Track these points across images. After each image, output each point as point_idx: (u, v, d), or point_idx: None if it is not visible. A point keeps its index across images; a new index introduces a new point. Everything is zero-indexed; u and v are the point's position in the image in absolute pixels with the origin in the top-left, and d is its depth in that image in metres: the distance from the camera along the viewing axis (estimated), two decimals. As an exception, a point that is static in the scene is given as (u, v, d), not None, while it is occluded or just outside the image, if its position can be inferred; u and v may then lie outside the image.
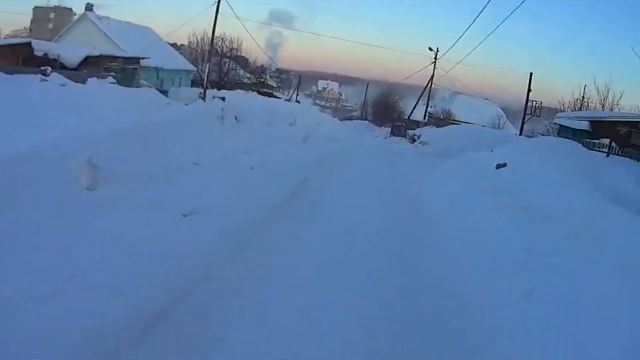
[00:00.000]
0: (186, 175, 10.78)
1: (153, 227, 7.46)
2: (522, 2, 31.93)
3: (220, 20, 68.70)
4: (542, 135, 41.49)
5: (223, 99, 35.90)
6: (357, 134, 41.91)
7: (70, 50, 26.50)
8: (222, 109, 15.83)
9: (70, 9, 59.63)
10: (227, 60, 54.28)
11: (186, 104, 19.37)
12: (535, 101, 39.93)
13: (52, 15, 39.34)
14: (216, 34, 54.78)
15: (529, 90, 39.45)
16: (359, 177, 14.91)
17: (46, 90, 15.04)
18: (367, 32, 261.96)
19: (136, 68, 32.46)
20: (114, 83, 22.74)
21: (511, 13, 36.55)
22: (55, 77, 17.94)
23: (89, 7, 39.30)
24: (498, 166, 14.04)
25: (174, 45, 57.04)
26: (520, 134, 38.49)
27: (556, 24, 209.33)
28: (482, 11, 37.87)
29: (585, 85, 37.13)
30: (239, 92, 40.42)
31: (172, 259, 6.28)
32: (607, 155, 17.62)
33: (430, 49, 49.34)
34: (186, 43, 57.74)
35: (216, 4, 35.33)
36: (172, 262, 6.18)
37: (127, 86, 24.02)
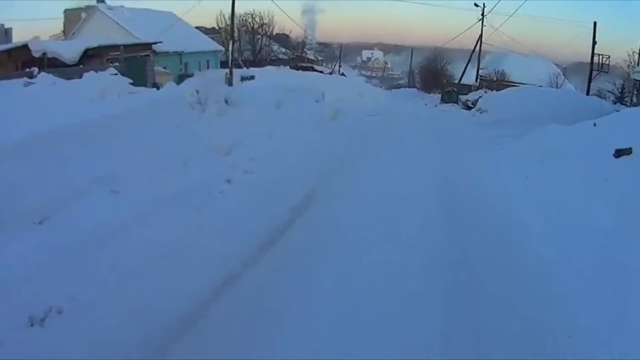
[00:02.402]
0: (73, 219, 5.65)
1: None
2: None
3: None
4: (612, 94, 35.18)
5: (252, 77, 31.83)
6: (404, 103, 35.98)
7: (69, 46, 23.81)
8: (198, 92, 10.59)
9: (101, 5, 55.99)
10: (260, 37, 49.61)
11: (157, 89, 14.62)
12: (602, 55, 33.44)
13: (83, 15, 35.84)
14: (246, 10, 51.15)
15: (594, 42, 32.99)
16: (402, 179, 9.53)
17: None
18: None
19: (148, 55, 28.38)
20: (115, 74, 19.16)
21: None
22: (43, 77, 14.82)
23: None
24: (619, 153, 8.36)
25: (212, 30, 52.67)
26: (588, 93, 32.24)
27: None
28: None
29: None
30: (269, 69, 35.77)
31: None
32: None
33: (476, 4, 43.02)
34: (216, 26, 52.93)
35: None
36: None
37: (136, 76, 20.42)
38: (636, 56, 32.37)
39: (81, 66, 21.33)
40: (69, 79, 14.85)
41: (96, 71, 17.78)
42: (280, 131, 11.30)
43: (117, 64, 22.75)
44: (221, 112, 10.88)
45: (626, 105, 27.47)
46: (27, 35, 23.77)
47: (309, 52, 63.63)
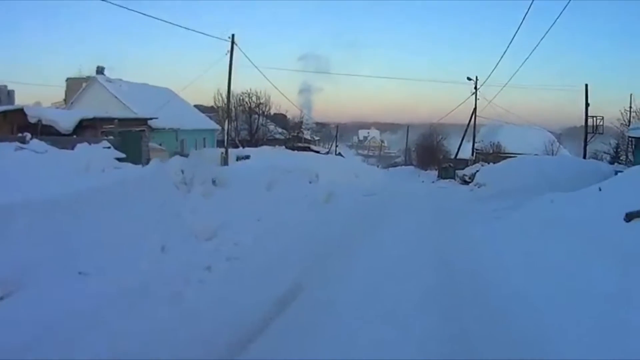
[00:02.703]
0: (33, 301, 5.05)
1: None
2: (559, 15, 24.66)
3: (247, 74, 65.39)
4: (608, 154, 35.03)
5: (248, 157, 31.73)
6: (401, 181, 35.77)
7: (64, 115, 23.75)
8: (183, 171, 10.16)
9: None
10: (257, 116, 49.93)
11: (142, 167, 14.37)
12: (596, 117, 33.41)
13: (84, 85, 36.49)
14: (243, 89, 51.58)
15: (587, 104, 32.96)
16: (399, 258, 8.92)
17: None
18: (402, 71, 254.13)
19: (143, 130, 28.25)
20: (108, 148, 18.98)
21: (548, 30, 29.93)
22: (35, 144, 14.65)
23: (99, 70, 36.43)
24: (629, 217, 7.83)
25: (210, 108, 53.20)
26: (585, 156, 32.01)
27: (603, 33, 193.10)
28: (517, 32, 30.29)
29: (632, 95, 30.59)
30: (265, 149, 35.77)
31: None
32: None
33: (468, 78, 43.27)
34: (213, 104, 53.37)
35: (229, 54, 31.23)
36: None
37: (131, 151, 20.50)
38: (629, 115, 32.38)
39: (74, 137, 21.15)
40: (62, 148, 14.65)
41: (89, 143, 17.70)
42: (271, 214, 10.80)
43: (111, 137, 22.52)
44: (208, 194, 10.40)
45: (622, 164, 27.13)
46: (30, 99, 24.04)
47: (306, 132, 63.91)
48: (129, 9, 25.34)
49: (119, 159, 16.51)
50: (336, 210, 13.66)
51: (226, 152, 31.39)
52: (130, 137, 25.25)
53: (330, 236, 10.40)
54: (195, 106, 50.24)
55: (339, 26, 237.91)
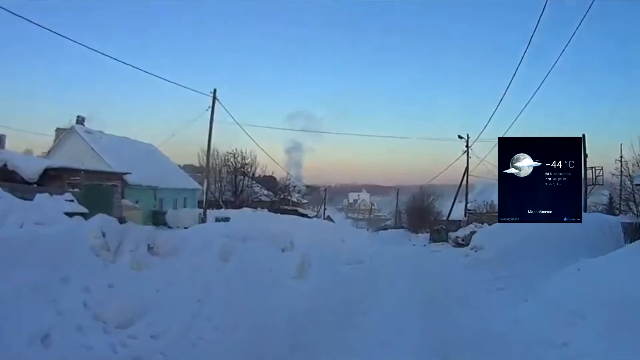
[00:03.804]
0: None
1: None
2: (550, 70, 22.82)
3: (235, 131, 63.32)
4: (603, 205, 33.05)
5: (227, 218, 29.60)
6: (391, 246, 33.31)
7: (29, 162, 22.66)
8: (105, 234, 7.87)
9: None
10: (242, 177, 47.96)
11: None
12: (595, 167, 31.68)
13: (61, 135, 35.23)
14: (229, 149, 49.75)
15: (585, 155, 31.13)
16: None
17: None
18: (392, 130, 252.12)
19: (115, 185, 26.54)
20: (71, 201, 17.95)
21: (541, 84, 28.06)
22: None
23: (79, 121, 34.87)
24: None
25: (199, 168, 51.40)
26: (585, 209, 29.86)
27: (594, 85, 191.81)
28: (507, 90, 27.95)
29: (622, 144, 28.87)
30: (245, 211, 33.67)
31: None
32: None
33: (460, 136, 41.44)
34: (197, 163, 51.54)
35: (210, 110, 29.83)
36: None
37: (97, 206, 18.78)
38: (629, 164, 30.75)
39: (35, 185, 20.28)
40: (21, 197, 13.51)
41: (51, 194, 16.78)
42: (219, 293, 8.27)
43: (77, 190, 21.43)
44: (139, 264, 8.04)
45: (627, 214, 25.30)
46: (23, 146, 23.43)
47: (295, 194, 61.79)
48: (125, 63, 24.06)
49: (81, 214, 14.98)
50: (306, 288, 11.13)
51: (204, 212, 29.72)
52: (99, 191, 23.84)
53: (290, 331, 7.92)
54: (186, 166, 48.68)
55: (329, 86, 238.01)
